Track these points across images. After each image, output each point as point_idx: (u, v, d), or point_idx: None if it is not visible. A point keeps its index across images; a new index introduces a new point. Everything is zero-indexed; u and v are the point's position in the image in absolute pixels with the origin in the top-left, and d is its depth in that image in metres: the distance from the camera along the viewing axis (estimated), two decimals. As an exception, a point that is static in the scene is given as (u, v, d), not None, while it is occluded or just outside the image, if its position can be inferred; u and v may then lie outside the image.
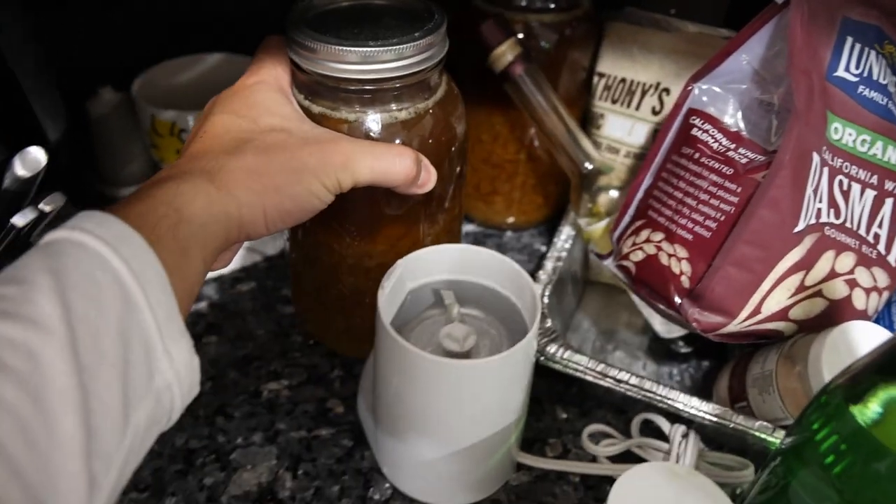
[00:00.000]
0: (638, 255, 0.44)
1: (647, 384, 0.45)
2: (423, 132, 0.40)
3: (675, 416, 0.46)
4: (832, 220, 0.41)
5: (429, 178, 0.39)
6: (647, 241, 0.44)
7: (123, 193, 0.62)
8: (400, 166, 0.36)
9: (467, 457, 0.41)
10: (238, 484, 0.46)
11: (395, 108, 0.39)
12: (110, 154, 0.60)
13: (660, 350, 0.55)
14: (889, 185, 0.42)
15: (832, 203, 0.41)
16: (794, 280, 0.41)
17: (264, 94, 0.37)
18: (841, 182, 0.41)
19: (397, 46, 0.36)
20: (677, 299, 0.42)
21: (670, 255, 0.42)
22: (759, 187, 0.39)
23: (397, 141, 0.39)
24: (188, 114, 0.55)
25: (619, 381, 0.45)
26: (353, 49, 0.36)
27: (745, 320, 0.41)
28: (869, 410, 0.27)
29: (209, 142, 0.35)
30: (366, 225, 0.43)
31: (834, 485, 0.29)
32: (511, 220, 0.64)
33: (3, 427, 0.23)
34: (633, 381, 0.45)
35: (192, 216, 0.31)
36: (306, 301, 0.52)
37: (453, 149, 0.42)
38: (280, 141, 0.35)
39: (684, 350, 0.54)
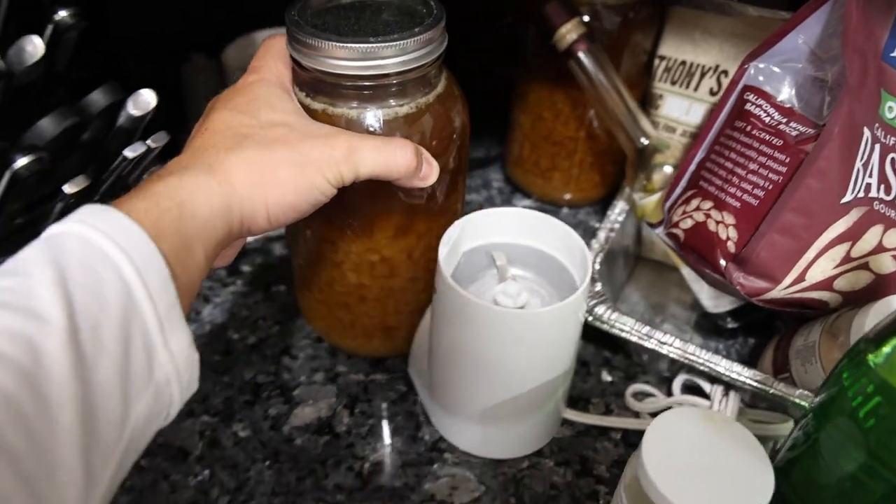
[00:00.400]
0: (687, 223, 0.46)
1: (691, 348, 0.47)
2: (423, 127, 0.40)
3: (717, 381, 0.48)
4: (882, 195, 0.42)
5: (430, 171, 0.39)
6: (697, 209, 0.46)
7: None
8: (402, 158, 0.37)
9: (516, 408, 0.43)
10: (300, 416, 0.50)
11: (395, 103, 0.39)
12: (198, 115, 0.65)
13: (707, 326, 0.57)
14: None
15: (883, 179, 0.42)
16: (840, 250, 0.42)
17: (265, 89, 0.38)
18: (893, 160, 0.43)
19: (397, 42, 0.37)
20: (723, 263, 0.44)
21: (718, 222, 0.44)
22: (807, 157, 0.41)
23: (398, 136, 0.39)
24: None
25: (663, 342, 0.47)
26: (352, 45, 0.36)
27: (789, 286, 0.43)
28: (882, 355, 0.29)
29: (210, 138, 0.35)
30: (367, 219, 0.43)
31: (861, 430, 0.31)
32: (568, 196, 0.66)
33: (2, 418, 0.23)
34: (677, 343, 0.47)
35: (194, 210, 0.31)
36: (308, 298, 0.52)
37: (453, 143, 0.43)
38: (281, 135, 0.35)
39: (731, 326, 0.55)
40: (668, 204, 0.49)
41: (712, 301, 0.55)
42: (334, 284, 0.48)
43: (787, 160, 0.42)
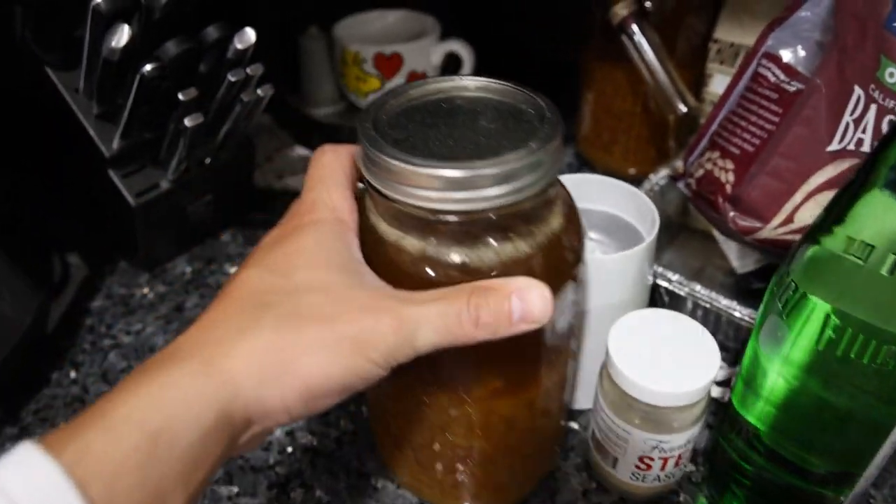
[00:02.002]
0: (699, 172, 0.52)
1: (704, 291, 0.53)
2: (534, 268, 0.32)
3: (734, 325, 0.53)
4: None
5: (536, 306, 0.28)
6: (708, 159, 0.52)
7: (316, 112, 0.79)
8: (476, 320, 0.27)
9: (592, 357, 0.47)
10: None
11: (493, 242, 0.31)
12: (310, 80, 0.77)
13: (736, 288, 0.61)
14: None
15: (878, 137, 0.46)
16: (827, 196, 0.46)
17: (314, 237, 0.30)
18: (892, 121, 0.47)
19: (505, 166, 0.28)
20: (721, 201, 0.49)
21: (721, 168, 0.50)
22: (794, 106, 0.46)
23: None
24: (370, 47, 0.72)
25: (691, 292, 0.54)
26: (444, 172, 0.28)
27: (778, 227, 0.48)
28: (793, 264, 0.35)
29: (224, 310, 0.28)
30: (471, 377, 0.35)
31: (785, 327, 0.36)
32: (632, 170, 0.73)
33: None
34: (702, 291, 0.53)
35: (175, 439, 0.24)
36: (395, 453, 0.43)
37: (568, 283, 0.34)
38: (315, 305, 0.27)
39: (756, 286, 0.60)
40: (690, 159, 0.54)
41: (739, 261, 0.59)
42: (434, 445, 0.39)
43: (781, 111, 0.47)
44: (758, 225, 0.48)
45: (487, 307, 0.27)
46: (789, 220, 0.48)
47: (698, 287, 0.54)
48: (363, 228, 0.33)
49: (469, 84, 0.35)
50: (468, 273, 0.30)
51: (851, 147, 0.46)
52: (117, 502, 0.22)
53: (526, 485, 0.44)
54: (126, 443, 0.23)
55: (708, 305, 0.53)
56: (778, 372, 0.37)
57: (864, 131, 0.47)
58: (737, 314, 0.52)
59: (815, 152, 0.46)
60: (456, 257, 0.31)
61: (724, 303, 0.53)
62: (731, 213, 0.49)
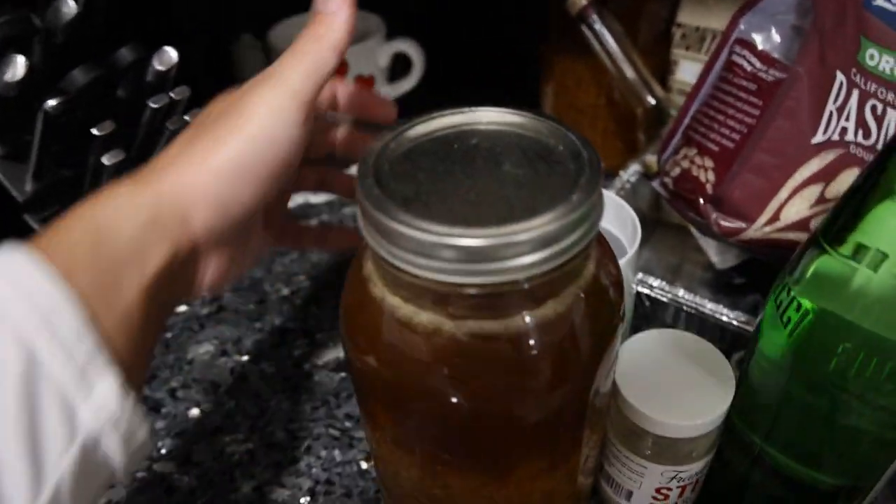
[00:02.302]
0: (675, 171, 0.48)
1: (685, 294, 0.50)
2: (563, 332, 0.27)
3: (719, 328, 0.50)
4: (861, 140, 0.43)
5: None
6: (684, 157, 0.48)
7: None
8: (327, 45, 0.31)
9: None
10: (320, 356, 0.55)
11: (520, 312, 0.25)
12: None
13: (717, 284, 0.58)
14: None
15: (861, 124, 0.43)
16: (814, 191, 0.43)
17: (258, 96, 0.31)
18: (874, 107, 0.43)
19: (544, 228, 0.23)
20: (702, 203, 0.46)
21: (700, 167, 0.46)
22: (776, 98, 0.43)
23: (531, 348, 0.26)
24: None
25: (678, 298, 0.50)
26: (471, 242, 0.22)
27: (764, 226, 0.44)
28: (794, 275, 0.31)
29: (152, 164, 0.30)
30: (512, 462, 0.30)
31: (787, 343, 0.33)
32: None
33: None
34: (685, 295, 0.50)
35: (116, 233, 0.27)
36: None
37: (601, 349, 0.29)
38: (221, 110, 0.31)
39: (737, 281, 0.56)
40: (664, 156, 0.51)
41: (719, 256, 0.56)
42: None
43: (761, 103, 0.44)
44: (742, 226, 0.45)
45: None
46: (775, 218, 0.44)
47: (681, 292, 0.50)
48: (361, 301, 0.28)
49: (482, 117, 0.29)
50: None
51: (836, 137, 0.43)
52: (75, 273, 0.25)
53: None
54: (75, 236, 0.26)
55: (692, 311, 0.50)
56: (783, 387, 0.34)
57: (847, 119, 0.43)
58: (724, 318, 0.49)
59: (799, 145, 0.43)
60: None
61: (710, 307, 0.50)
62: (714, 215, 0.45)
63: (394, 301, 0.26)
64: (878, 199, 0.28)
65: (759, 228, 0.45)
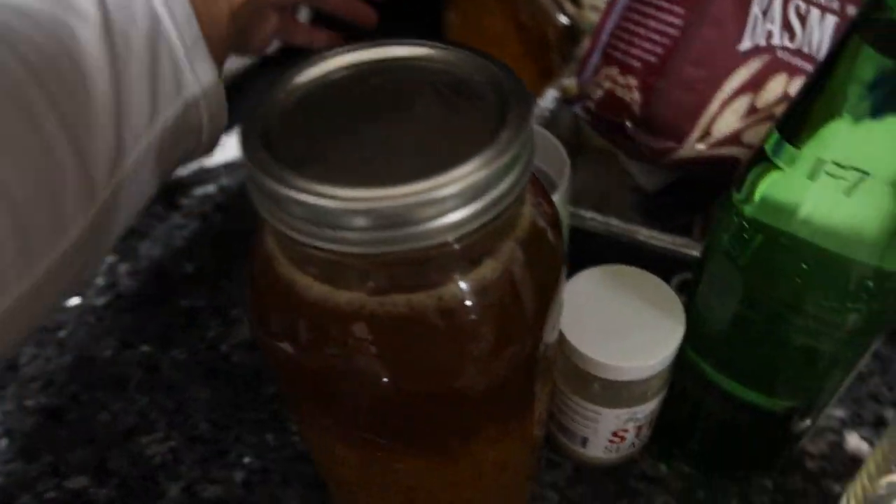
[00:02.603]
0: (597, 93, 0.45)
1: (644, 231, 0.48)
2: (504, 291, 0.23)
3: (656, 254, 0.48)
4: (786, 43, 0.41)
5: None
6: (605, 77, 0.45)
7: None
8: None
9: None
10: (236, 335, 0.50)
11: (456, 279, 0.22)
12: None
13: (651, 208, 0.56)
14: (851, 10, 0.42)
15: (786, 26, 0.41)
16: (743, 102, 0.41)
17: None
18: (798, 7, 0.41)
19: (469, 178, 0.19)
20: (629, 126, 0.43)
21: (623, 86, 0.44)
22: (699, 7, 0.40)
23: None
24: None
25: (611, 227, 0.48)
26: (382, 203, 0.19)
27: (696, 143, 0.42)
28: (742, 194, 0.29)
29: None
30: (459, 437, 0.27)
31: (737, 268, 0.30)
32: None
33: (45, 76, 0.25)
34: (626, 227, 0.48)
35: None
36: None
37: (560, 281, 0.26)
38: None
39: (667, 202, 0.55)
40: (583, 78, 0.47)
41: (647, 179, 0.54)
42: None
43: (683, 12, 0.41)
44: (674, 145, 0.42)
45: None
46: (707, 133, 0.42)
47: (615, 221, 0.48)
48: (268, 282, 0.24)
49: (383, 52, 0.24)
50: None
51: (762, 42, 0.41)
52: None
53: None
54: None
55: (627, 239, 0.48)
56: (734, 313, 0.32)
57: (772, 22, 0.41)
58: (661, 244, 0.47)
59: (726, 55, 0.40)
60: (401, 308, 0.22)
61: (645, 233, 0.47)
62: (643, 136, 0.43)
63: (304, 281, 0.22)
64: (829, 112, 0.25)
65: (691, 146, 0.42)
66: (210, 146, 0.36)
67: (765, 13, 0.40)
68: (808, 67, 0.42)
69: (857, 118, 0.25)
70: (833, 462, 0.42)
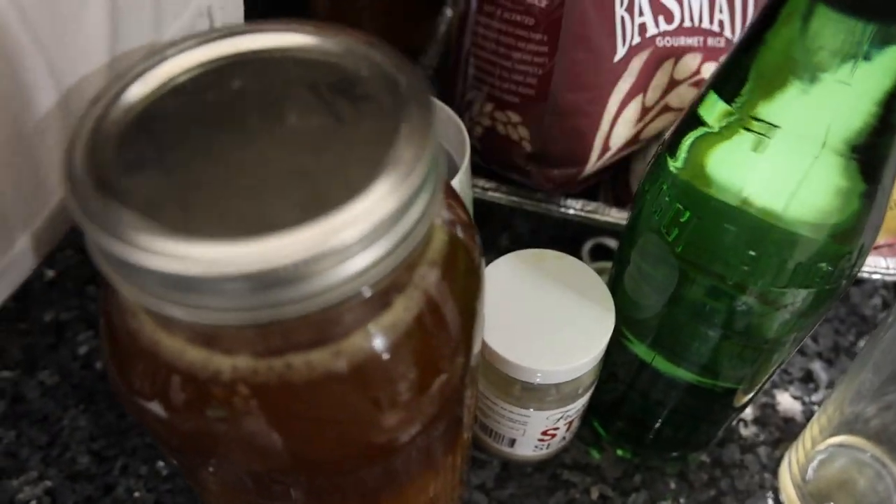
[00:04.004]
0: (477, 130, 0.44)
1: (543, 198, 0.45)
2: (424, 325, 0.19)
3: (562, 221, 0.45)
4: (664, 27, 0.40)
5: None
6: (481, 113, 0.43)
7: None
8: None
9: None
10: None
11: (366, 328, 0.18)
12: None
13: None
14: None
15: (659, 11, 0.40)
16: (634, 107, 0.41)
17: None
18: None
19: (370, 216, 0.15)
20: (526, 166, 0.42)
21: (505, 123, 0.42)
22: (562, 31, 0.38)
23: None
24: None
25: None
26: (251, 267, 0.14)
27: (598, 160, 0.41)
28: (675, 160, 0.26)
29: None
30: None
31: (666, 242, 0.28)
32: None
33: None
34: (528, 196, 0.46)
35: None
36: None
37: (477, 299, 0.23)
38: None
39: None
40: (457, 106, 0.45)
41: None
42: None
43: (545, 38, 0.39)
44: (577, 170, 0.41)
45: None
46: (605, 148, 0.41)
47: (517, 190, 0.45)
48: (129, 340, 0.19)
49: (241, 43, 0.19)
50: None
51: (637, 40, 0.39)
52: None
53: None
54: None
55: (532, 208, 0.45)
56: (668, 293, 0.30)
57: (641, 14, 0.39)
58: (569, 211, 0.44)
59: (604, 70, 0.39)
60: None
61: (551, 200, 0.45)
62: (542, 172, 0.42)
63: (174, 345, 0.18)
64: (774, 70, 0.23)
65: (592, 166, 0.41)
66: None
67: (629, 10, 0.38)
68: (694, 41, 0.40)
69: (807, 76, 0.22)
70: (768, 426, 0.42)
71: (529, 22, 0.39)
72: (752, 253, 0.26)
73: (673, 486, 0.39)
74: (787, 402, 0.43)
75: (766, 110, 0.23)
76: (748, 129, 0.24)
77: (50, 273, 0.49)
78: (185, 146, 0.17)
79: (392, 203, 0.15)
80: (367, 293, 0.17)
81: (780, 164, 0.24)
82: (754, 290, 0.27)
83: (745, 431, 0.41)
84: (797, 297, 0.27)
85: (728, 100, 0.25)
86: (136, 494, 0.39)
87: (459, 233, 0.22)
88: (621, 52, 0.39)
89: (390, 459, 0.22)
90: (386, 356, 0.19)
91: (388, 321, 0.18)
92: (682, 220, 0.27)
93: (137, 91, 0.17)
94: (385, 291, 0.18)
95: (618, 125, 0.40)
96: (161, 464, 0.40)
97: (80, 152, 0.16)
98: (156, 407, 0.20)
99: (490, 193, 0.45)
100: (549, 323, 0.32)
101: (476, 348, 0.23)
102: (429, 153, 0.16)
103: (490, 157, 0.44)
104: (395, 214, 0.16)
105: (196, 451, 0.21)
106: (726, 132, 0.25)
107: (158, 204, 0.15)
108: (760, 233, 0.25)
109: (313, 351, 0.18)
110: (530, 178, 0.42)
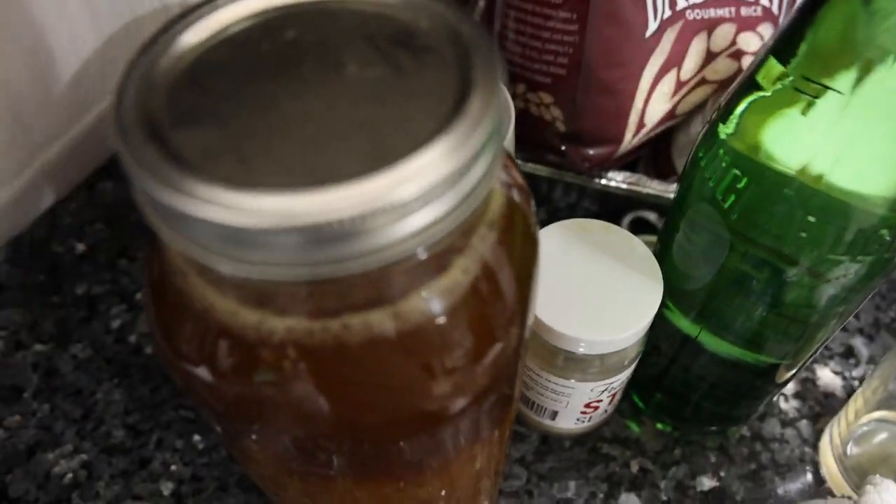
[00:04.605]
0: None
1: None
2: (481, 292, 0.18)
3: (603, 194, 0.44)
4: (694, 0, 0.38)
5: None
6: (513, 95, 0.42)
7: None
8: None
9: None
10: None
11: (420, 291, 0.17)
12: None
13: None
14: None
15: None
16: (668, 81, 0.40)
17: None
18: None
19: (426, 172, 0.14)
20: (561, 146, 0.41)
21: (538, 105, 0.41)
22: (591, 7, 0.37)
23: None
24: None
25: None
26: (311, 218, 0.13)
27: (633, 137, 0.41)
28: (729, 125, 0.25)
29: None
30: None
31: (720, 210, 0.27)
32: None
33: None
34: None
35: None
36: None
37: (534, 266, 0.22)
38: None
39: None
40: None
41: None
42: None
43: (574, 16, 0.38)
44: (612, 148, 0.41)
45: None
46: (641, 125, 0.40)
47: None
48: (176, 301, 0.19)
49: None
50: None
51: (668, 14, 0.38)
52: None
53: None
54: None
55: (572, 180, 0.44)
56: (718, 265, 0.29)
57: None
58: (611, 183, 0.44)
59: (635, 45, 0.38)
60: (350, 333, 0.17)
61: (589, 174, 0.44)
62: (578, 152, 0.41)
63: (226, 306, 0.17)
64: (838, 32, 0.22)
65: (628, 143, 0.41)
66: None
67: None
68: (725, 12, 0.39)
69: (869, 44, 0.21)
70: (808, 400, 0.41)
71: (557, 1, 0.38)
72: (812, 219, 0.25)
73: (713, 459, 0.38)
74: (827, 377, 0.42)
75: (830, 77, 0.22)
76: (810, 95, 0.23)
77: (80, 247, 0.48)
78: (239, 97, 0.16)
79: (454, 159, 0.14)
80: (424, 254, 0.16)
81: (845, 132, 0.23)
82: (807, 261, 0.26)
83: (786, 406, 0.41)
84: (850, 270, 0.26)
85: (785, 62, 0.24)
86: (173, 468, 0.39)
87: (516, 196, 0.21)
88: (653, 26, 0.38)
89: (439, 429, 0.22)
90: (442, 320, 0.18)
91: (446, 284, 0.18)
92: (738, 185, 0.26)
93: (188, 40, 0.17)
94: (443, 253, 0.17)
95: (652, 101, 0.39)
96: (197, 437, 0.40)
97: (130, 102, 0.15)
98: (203, 371, 0.19)
99: (530, 165, 0.44)
100: (594, 293, 0.31)
101: (530, 319, 0.22)
102: (495, 107, 0.15)
103: (525, 139, 0.43)
104: (457, 171, 0.14)
105: (242, 416, 0.20)
106: (786, 97, 0.24)
107: (213, 154, 0.15)
108: (820, 199, 0.24)
109: (371, 312, 0.17)
110: (566, 159, 0.42)
